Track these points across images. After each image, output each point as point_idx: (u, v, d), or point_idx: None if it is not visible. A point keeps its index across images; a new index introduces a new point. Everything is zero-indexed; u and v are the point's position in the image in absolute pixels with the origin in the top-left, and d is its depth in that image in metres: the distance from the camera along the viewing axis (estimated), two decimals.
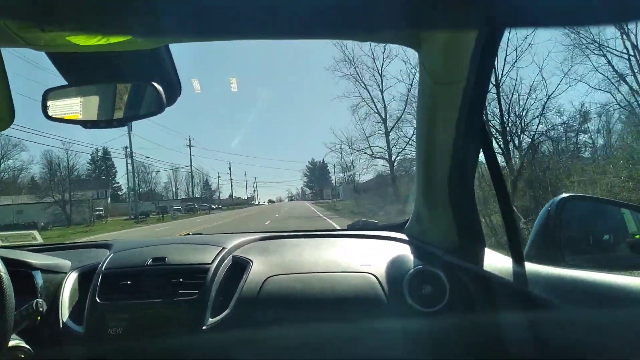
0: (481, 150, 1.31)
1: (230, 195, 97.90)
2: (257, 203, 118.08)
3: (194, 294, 1.41)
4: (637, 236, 1.40)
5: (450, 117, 1.24)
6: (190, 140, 60.87)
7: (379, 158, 28.81)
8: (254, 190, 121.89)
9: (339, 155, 33.91)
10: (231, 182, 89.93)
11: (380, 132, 27.91)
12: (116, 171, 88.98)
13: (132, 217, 43.42)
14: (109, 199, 63.36)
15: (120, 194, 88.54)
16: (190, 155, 63.49)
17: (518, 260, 1.21)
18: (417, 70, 1.28)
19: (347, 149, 31.46)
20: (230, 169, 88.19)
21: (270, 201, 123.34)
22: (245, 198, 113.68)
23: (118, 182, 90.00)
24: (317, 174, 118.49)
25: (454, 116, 1.23)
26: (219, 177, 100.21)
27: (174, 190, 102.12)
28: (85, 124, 1.18)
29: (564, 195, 1.36)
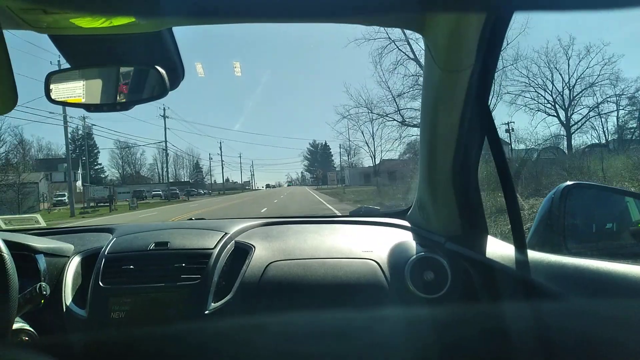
0: (486, 137, 1.30)
1: (224, 179, 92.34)
2: (253, 188, 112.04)
3: (197, 278, 1.42)
4: None
5: (455, 103, 1.23)
6: (164, 110, 49.43)
7: (412, 126, 20.90)
8: (251, 175, 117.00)
9: (355, 123, 24.72)
10: (222, 163, 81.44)
11: (417, 87, 18.75)
12: (98, 151, 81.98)
13: (77, 205, 32.45)
14: (79, 181, 55.81)
15: (104, 176, 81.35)
16: (165, 128, 50.89)
17: (520, 247, 1.21)
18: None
19: (364, 114, 22.94)
20: (220, 149, 79.67)
21: (268, 186, 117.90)
22: (241, 183, 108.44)
23: (100, 164, 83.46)
24: (319, 157, 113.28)
25: (460, 102, 1.22)
26: (210, 158, 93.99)
27: (160, 172, 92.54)
28: (89, 107, 1.17)
29: (568, 183, 1.36)
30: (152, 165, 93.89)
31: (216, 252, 1.50)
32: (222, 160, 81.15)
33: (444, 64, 1.17)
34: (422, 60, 1.27)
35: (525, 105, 25.49)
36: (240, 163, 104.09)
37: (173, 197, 49.18)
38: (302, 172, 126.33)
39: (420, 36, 1.17)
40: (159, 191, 56.09)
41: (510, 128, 23.21)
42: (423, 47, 1.22)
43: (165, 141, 52.07)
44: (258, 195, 48.56)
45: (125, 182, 78.87)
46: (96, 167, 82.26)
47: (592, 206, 1.46)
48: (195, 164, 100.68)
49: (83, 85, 1.15)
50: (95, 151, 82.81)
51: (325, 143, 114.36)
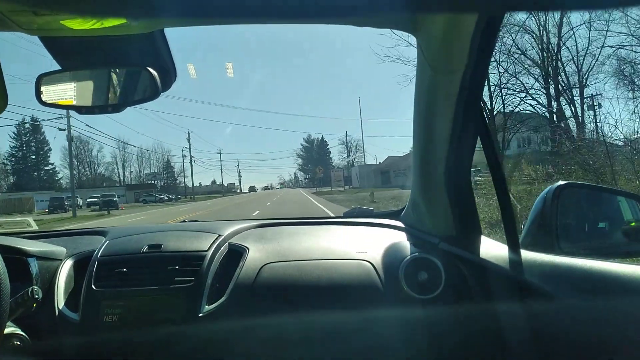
0: (479, 136, 1.31)
1: (193, 182, 77.73)
2: (239, 191, 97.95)
3: (190, 281, 1.41)
4: (633, 224, 1.40)
5: (448, 104, 1.23)
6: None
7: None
8: (239, 176, 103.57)
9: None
10: (191, 159, 66.47)
11: None
12: (50, 149, 71.04)
13: None
14: None
15: (58, 178, 70.70)
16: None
17: (514, 247, 1.22)
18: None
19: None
20: (189, 141, 65.28)
21: (252, 189, 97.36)
22: (224, 185, 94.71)
23: (52, 164, 72.43)
24: (314, 154, 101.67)
25: (452, 103, 1.23)
26: (183, 156, 72.61)
27: (121, 173, 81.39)
28: (80, 109, 1.16)
29: (560, 183, 1.37)
30: (110, 164, 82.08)
31: (210, 255, 1.49)
32: (190, 156, 67.08)
33: (437, 64, 1.17)
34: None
35: None
36: (220, 160, 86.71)
37: (106, 207, 36.61)
38: (295, 172, 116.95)
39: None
40: (94, 198, 43.97)
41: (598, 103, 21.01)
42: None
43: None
44: (232, 203, 35.27)
45: (82, 185, 68.86)
46: (47, 169, 71.71)
47: (584, 206, 1.47)
48: (165, 163, 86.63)
49: (74, 87, 1.14)
50: (46, 148, 71.37)
51: (322, 138, 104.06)
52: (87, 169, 79.19)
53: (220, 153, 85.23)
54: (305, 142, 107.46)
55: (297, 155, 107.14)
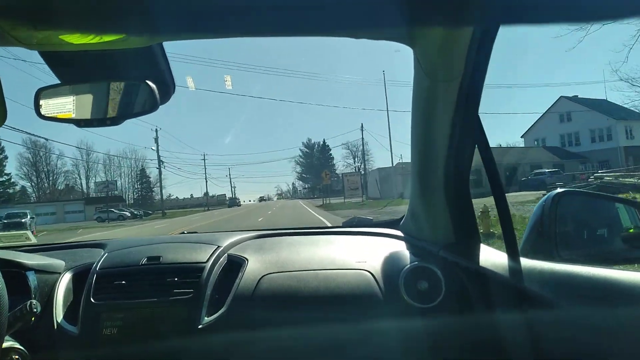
0: (476, 145, 1.31)
1: (163, 194, 60.27)
2: (234, 204, 76.52)
3: (189, 293, 1.41)
4: (631, 230, 1.41)
5: (445, 113, 1.24)
6: None
7: None
8: (231, 186, 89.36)
9: None
10: (159, 163, 53.18)
11: None
12: (5, 157, 60.16)
13: None
14: None
15: (12, 192, 60.70)
16: None
17: (513, 255, 1.22)
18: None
19: None
20: (156, 141, 51.68)
21: (233, 201, 71.75)
22: (212, 195, 79.91)
23: (9, 174, 60.95)
24: (315, 160, 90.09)
25: (450, 112, 1.24)
26: (160, 161, 53.77)
27: (83, 183, 70.14)
28: (79, 122, 1.17)
29: (559, 190, 1.37)
30: (71, 173, 70.58)
31: (209, 266, 1.49)
32: (159, 158, 53.48)
33: (434, 75, 1.19)
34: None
35: None
36: (205, 167, 68.77)
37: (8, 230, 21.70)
38: (293, 182, 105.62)
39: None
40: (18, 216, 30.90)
41: None
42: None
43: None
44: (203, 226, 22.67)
45: (40, 199, 62.03)
46: (1, 180, 59.94)
47: (583, 213, 1.47)
48: (140, 171, 74.08)
49: (73, 100, 1.15)
50: (1, 156, 59.99)
51: (324, 142, 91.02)
52: (46, 179, 68.74)
53: (204, 159, 69.23)
54: (305, 147, 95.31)
55: (295, 162, 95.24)
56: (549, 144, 47.78)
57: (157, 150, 52.89)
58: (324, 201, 39.44)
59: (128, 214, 48.69)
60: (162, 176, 58.09)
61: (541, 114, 49.47)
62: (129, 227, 29.73)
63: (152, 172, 72.29)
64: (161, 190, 60.45)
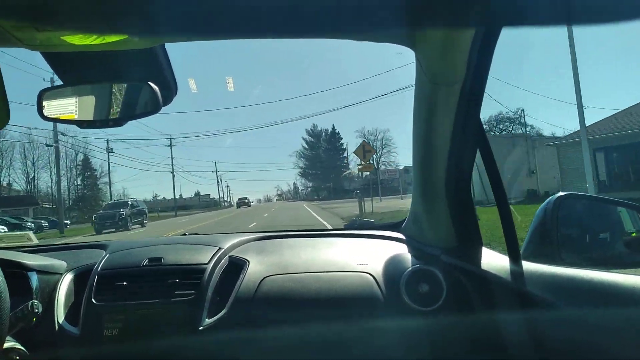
0: (478, 149, 1.31)
1: (111, 194, 46.36)
2: (222, 204, 70.02)
3: (191, 294, 1.41)
4: (634, 234, 1.40)
5: (447, 116, 1.24)
6: None
7: None
8: (226, 187, 77.50)
9: None
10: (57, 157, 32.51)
11: None
12: None
13: None
14: None
15: None
16: None
17: (515, 259, 1.21)
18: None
19: None
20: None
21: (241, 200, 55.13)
22: (181, 197, 63.77)
23: None
24: (322, 151, 72.53)
25: (451, 115, 1.23)
26: (108, 151, 43.60)
27: None
28: (81, 123, 1.17)
29: (561, 193, 1.37)
30: None
31: (210, 267, 1.49)
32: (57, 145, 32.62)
33: (435, 77, 1.18)
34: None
35: None
36: (172, 158, 50.75)
37: None
38: (294, 182, 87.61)
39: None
40: None
41: None
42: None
43: None
44: None
45: None
46: None
47: (585, 216, 1.47)
48: (82, 160, 55.80)
49: (76, 101, 1.15)
50: None
51: (333, 129, 72.70)
52: None
53: (170, 144, 50.73)
54: (309, 136, 74.92)
55: (297, 155, 75.99)
56: None
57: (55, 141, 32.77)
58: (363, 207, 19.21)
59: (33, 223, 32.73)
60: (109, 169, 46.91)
61: None
62: None
63: (104, 165, 52.84)
64: (110, 188, 49.10)
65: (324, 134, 74.64)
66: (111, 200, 40.71)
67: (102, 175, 55.48)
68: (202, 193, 78.59)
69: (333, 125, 73.81)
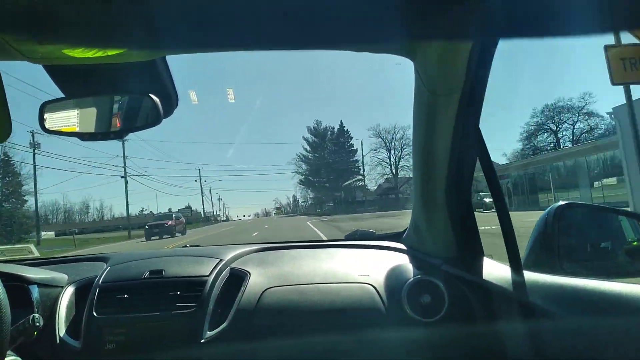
0: (477, 158, 1.32)
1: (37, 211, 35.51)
2: (219, 219, 64.45)
3: (192, 306, 1.40)
4: (635, 243, 1.40)
5: (446, 126, 1.25)
6: None
7: None
8: (218, 199, 68.20)
9: None
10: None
11: None
12: None
13: None
14: None
15: None
16: None
17: (516, 268, 1.21)
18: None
19: None
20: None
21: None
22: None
23: None
24: (326, 153, 58.80)
25: (451, 125, 1.24)
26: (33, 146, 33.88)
27: None
28: (83, 136, 1.18)
29: (562, 203, 1.37)
30: None
31: (211, 280, 1.49)
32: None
33: (434, 87, 1.19)
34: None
35: None
36: (124, 156, 39.80)
37: None
38: (294, 194, 79.91)
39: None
40: None
41: None
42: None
43: None
44: None
45: None
46: None
47: (586, 226, 1.47)
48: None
49: (77, 114, 1.16)
50: None
51: (342, 126, 59.82)
52: None
53: (123, 146, 40.16)
54: (312, 135, 60.75)
55: (297, 159, 62.26)
56: None
57: None
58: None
59: None
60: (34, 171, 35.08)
61: None
62: None
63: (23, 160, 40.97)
64: (36, 199, 36.44)
65: (329, 132, 60.56)
66: (36, 213, 35.62)
67: (27, 179, 40.49)
68: (194, 207, 67.75)
69: (341, 121, 61.51)
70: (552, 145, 45.43)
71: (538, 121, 47.36)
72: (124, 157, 38.78)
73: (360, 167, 55.48)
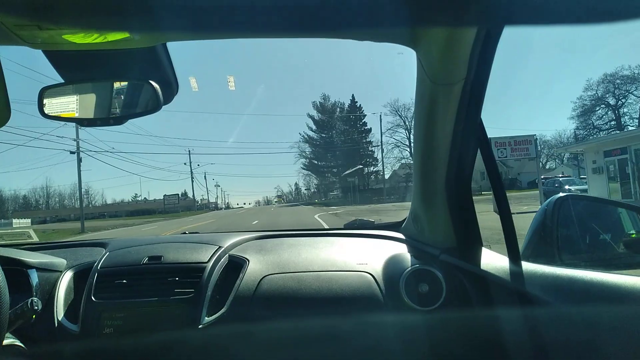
0: (479, 149, 1.31)
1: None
2: (217, 207, 61.16)
3: (190, 292, 1.41)
4: (633, 235, 1.40)
5: (448, 116, 1.24)
6: None
7: None
8: (215, 185, 71.19)
9: None
10: None
11: None
12: None
13: None
14: None
15: None
16: None
17: (515, 259, 1.22)
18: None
19: None
20: None
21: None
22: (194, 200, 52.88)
23: None
24: (336, 133, 50.69)
25: (452, 115, 1.23)
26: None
27: None
28: (82, 121, 1.17)
29: (561, 194, 1.37)
30: None
31: (210, 266, 1.49)
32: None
33: (436, 77, 1.18)
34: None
35: None
36: (78, 141, 30.00)
37: None
38: (296, 182, 77.12)
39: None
40: None
41: None
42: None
43: None
44: None
45: None
46: None
47: (585, 217, 1.47)
48: None
49: (77, 99, 1.15)
50: None
51: (353, 100, 51.40)
52: None
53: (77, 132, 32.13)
54: (317, 112, 52.63)
55: (300, 140, 55.65)
56: None
57: None
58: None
59: None
60: None
61: None
62: None
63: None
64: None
65: (339, 109, 51.65)
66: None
67: None
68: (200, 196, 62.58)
69: (353, 96, 51.91)
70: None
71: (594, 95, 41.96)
72: (77, 128, 28.54)
73: (374, 150, 49.19)
